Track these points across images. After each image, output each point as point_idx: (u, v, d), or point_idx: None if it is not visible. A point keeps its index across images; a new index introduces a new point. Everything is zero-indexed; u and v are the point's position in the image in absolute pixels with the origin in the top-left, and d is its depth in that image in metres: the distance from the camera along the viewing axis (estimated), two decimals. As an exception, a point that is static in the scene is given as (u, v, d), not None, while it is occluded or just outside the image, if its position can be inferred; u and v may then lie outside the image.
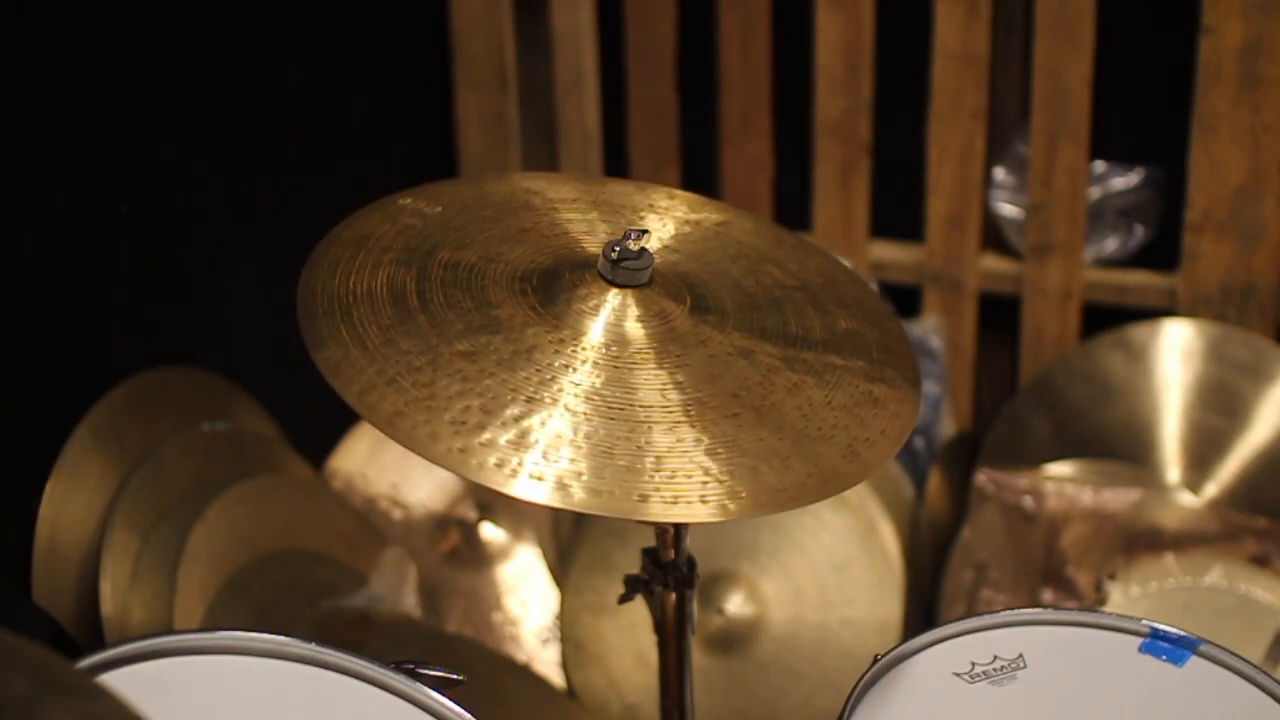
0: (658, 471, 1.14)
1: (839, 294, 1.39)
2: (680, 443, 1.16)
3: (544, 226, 1.37)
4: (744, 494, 1.15)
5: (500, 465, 1.12)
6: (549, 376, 1.19)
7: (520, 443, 1.13)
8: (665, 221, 1.41)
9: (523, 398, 1.16)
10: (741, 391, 1.22)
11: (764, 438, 1.19)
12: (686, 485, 1.14)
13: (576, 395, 1.18)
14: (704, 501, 1.13)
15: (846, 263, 2.03)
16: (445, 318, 1.23)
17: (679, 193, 1.48)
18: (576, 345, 1.22)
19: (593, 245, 1.33)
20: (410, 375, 1.17)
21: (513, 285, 1.28)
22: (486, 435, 1.13)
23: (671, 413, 1.18)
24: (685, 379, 1.21)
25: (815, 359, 1.28)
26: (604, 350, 1.22)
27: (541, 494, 1.11)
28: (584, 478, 1.12)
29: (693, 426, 1.18)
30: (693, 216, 1.44)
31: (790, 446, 1.19)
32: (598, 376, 1.20)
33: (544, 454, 1.13)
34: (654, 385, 1.20)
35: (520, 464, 1.12)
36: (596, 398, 1.18)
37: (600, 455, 1.14)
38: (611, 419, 1.17)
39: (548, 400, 1.17)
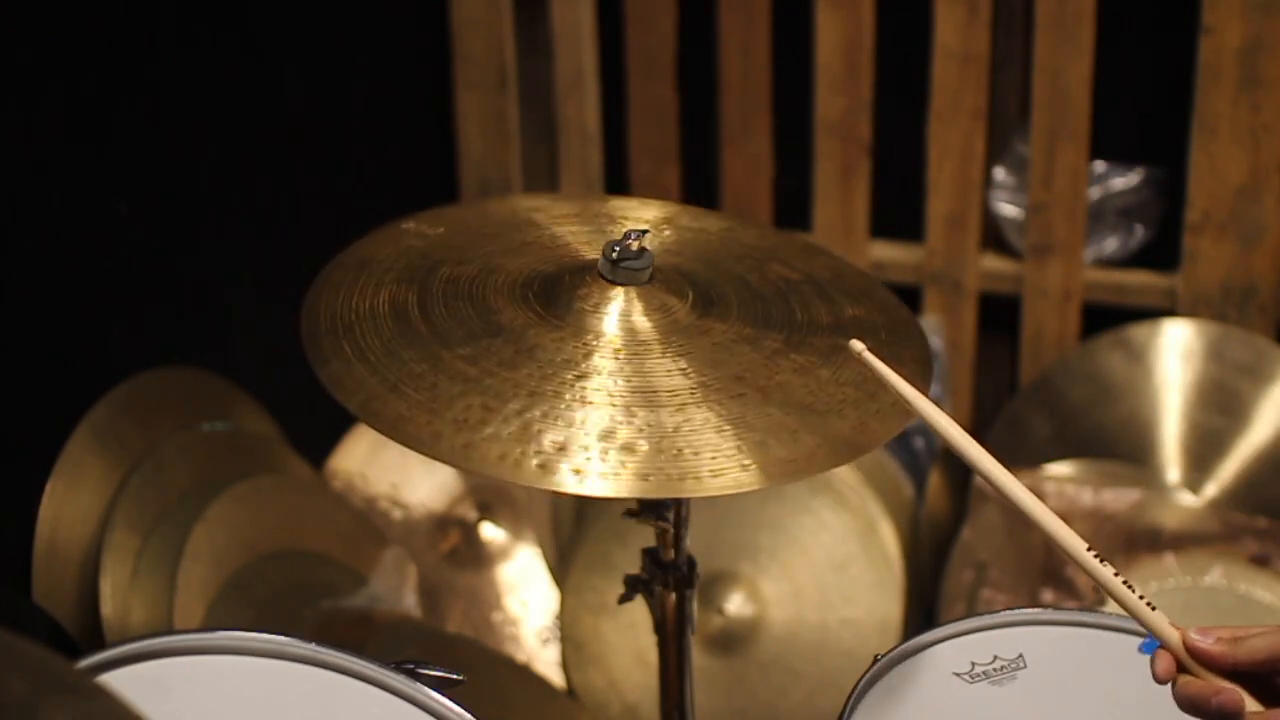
0: (660, 452, 1.14)
1: (846, 286, 1.39)
2: (688, 422, 1.17)
3: (545, 240, 1.38)
4: (753, 465, 1.15)
5: (503, 458, 1.12)
6: (550, 372, 1.19)
7: (524, 435, 1.14)
8: (667, 230, 1.42)
9: (524, 392, 1.17)
10: (746, 374, 1.23)
11: (771, 413, 1.19)
12: (694, 462, 1.14)
13: (580, 386, 1.18)
14: (714, 476, 1.14)
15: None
16: (447, 326, 1.24)
17: (682, 207, 1.50)
18: (578, 341, 1.22)
19: (593, 254, 1.34)
20: (412, 381, 1.17)
21: (514, 292, 1.28)
22: (490, 430, 1.14)
23: (677, 396, 1.19)
24: (689, 365, 1.22)
25: (822, 343, 1.29)
26: (607, 342, 1.23)
27: (551, 481, 1.12)
28: (591, 463, 1.13)
29: (699, 407, 1.18)
30: (695, 225, 1.45)
31: (798, 421, 1.19)
32: (601, 368, 1.20)
33: (550, 444, 1.13)
34: (659, 372, 1.21)
35: (524, 454, 1.13)
36: (601, 388, 1.18)
37: (604, 440, 1.14)
38: (615, 405, 1.17)
39: (549, 393, 1.17)
